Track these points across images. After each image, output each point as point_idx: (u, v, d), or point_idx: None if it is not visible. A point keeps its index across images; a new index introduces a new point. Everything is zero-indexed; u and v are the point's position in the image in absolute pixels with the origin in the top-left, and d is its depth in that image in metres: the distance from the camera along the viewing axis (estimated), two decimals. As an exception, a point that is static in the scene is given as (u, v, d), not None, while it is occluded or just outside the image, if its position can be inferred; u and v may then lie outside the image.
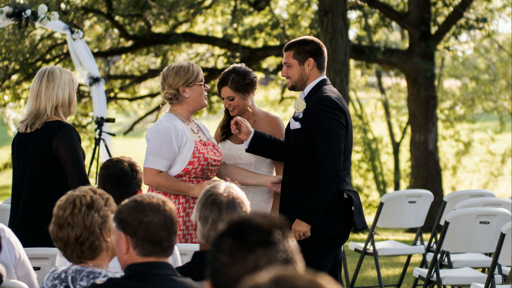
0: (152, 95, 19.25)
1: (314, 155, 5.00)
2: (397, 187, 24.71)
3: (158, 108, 17.90)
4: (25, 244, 4.17)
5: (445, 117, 23.99)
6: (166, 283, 2.93)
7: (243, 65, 5.45)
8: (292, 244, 2.08)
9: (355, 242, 7.85)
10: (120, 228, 2.99)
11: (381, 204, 7.33)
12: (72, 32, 9.62)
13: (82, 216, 3.16)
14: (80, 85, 13.32)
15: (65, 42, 14.90)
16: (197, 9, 16.50)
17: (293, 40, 5.27)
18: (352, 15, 18.33)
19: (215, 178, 5.28)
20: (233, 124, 5.20)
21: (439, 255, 6.32)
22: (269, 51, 16.83)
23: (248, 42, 17.74)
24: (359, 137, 24.79)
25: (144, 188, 4.43)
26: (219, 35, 19.10)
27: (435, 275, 6.22)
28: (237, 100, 5.36)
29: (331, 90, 5.13)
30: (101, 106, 9.87)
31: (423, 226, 7.62)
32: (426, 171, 15.54)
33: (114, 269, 3.38)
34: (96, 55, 15.02)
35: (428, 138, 15.48)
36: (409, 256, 7.68)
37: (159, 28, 16.87)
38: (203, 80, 5.17)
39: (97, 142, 9.46)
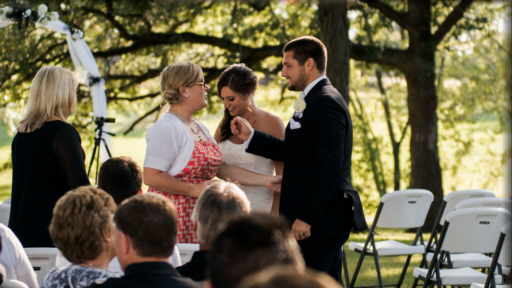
0: (152, 95, 19.26)
1: (314, 155, 4.99)
2: (397, 187, 24.70)
3: (158, 108, 17.90)
4: (25, 244, 4.17)
5: (445, 117, 23.99)
6: (166, 283, 2.93)
7: (243, 65, 5.45)
8: (292, 244, 2.08)
9: (355, 242, 7.84)
10: (120, 228, 2.99)
11: (381, 204, 7.33)
12: (72, 32, 9.62)
13: (82, 216, 3.16)
14: (80, 85, 13.32)
15: (65, 42, 14.90)
16: (197, 9, 16.50)
17: (293, 40, 5.26)
18: (352, 15, 18.34)
19: (215, 178, 5.28)
20: (233, 124, 5.20)
21: (439, 255, 6.32)
22: (269, 51, 16.83)
23: (248, 42, 17.74)
24: (359, 137, 24.78)
25: (144, 188, 4.43)
26: (219, 35, 19.09)
27: (435, 275, 6.21)
28: (237, 100, 5.36)
29: (331, 90, 5.13)
30: (101, 106, 9.87)
31: (423, 226, 7.62)
32: (426, 171, 15.54)
33: (114, 269, 3.38)
34: (96, 55, 15.01)
35: (428, 138, 15.48)
36: (409, 256, 7.68)
37: (159, 28, 16.87)
38: (203, 80, 5.17)
39: (97, 142, 9.46)
